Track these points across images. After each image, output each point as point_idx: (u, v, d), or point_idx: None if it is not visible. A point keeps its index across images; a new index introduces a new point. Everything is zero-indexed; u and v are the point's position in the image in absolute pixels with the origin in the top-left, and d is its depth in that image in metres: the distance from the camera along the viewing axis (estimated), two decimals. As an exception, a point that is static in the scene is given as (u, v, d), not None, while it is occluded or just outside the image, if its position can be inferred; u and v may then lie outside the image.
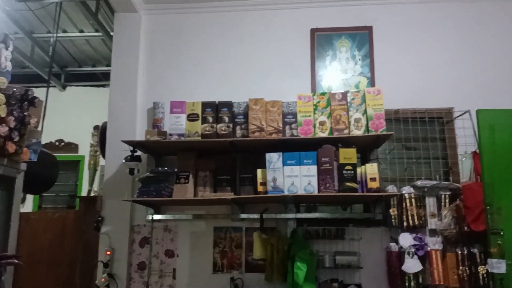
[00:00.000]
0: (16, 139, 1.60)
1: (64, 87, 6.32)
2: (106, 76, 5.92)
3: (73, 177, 6.03)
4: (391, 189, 3.15)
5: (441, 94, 3.50)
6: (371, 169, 2.99)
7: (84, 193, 5.37)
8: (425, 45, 3.62)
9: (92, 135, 4.78)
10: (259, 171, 3.08)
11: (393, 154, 3.42)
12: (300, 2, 3.77)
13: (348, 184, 2.95)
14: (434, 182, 3.20)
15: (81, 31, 5.14)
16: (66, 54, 5.75)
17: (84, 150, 5.64)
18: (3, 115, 1.53)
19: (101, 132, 3.78)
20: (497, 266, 2.70)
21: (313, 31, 3.73)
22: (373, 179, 2.96)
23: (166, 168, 3.21)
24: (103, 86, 6.15)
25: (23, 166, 1.78)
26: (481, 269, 2.98)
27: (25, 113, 1.64)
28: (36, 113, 1.74)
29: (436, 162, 3.41)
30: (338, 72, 3.64)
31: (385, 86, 3.30)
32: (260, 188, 3.07)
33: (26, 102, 1.65)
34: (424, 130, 3.42)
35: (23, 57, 5.25)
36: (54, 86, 6.11)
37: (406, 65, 3.59)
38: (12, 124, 1.57)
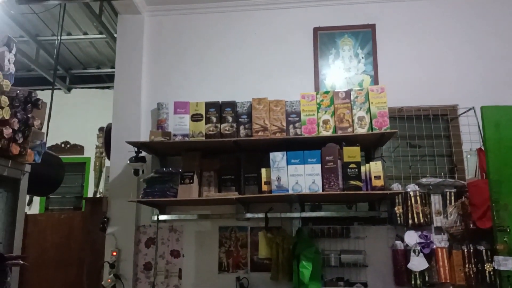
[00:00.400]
0: (20, 141, 1.61)
1: (69, 90, 6.35)
2: (110, 78, 5.94)
3: (79, 179, 6.06)
4: (396, 187, 3.15)
5: (445, 91, 3.48)
6: (375, 167, 2.98)
7: (90, 194, 5.40)
8: (428, 42, 3.61)
9: (98, 136, 4.82)
10: (263, 171, 3.09)
11: (398, 152, 3.41)
12: (303, 1, 3.77)
13: (352, 182, 2.94)
14: (439, 180, 3.18)
15: (85, 33, 5.17)
16: (71, 56, 5.79)
17: (90, 152, 5.67)
18: (7, 117, 1.54)
19: (106, 133, 3.79)
20: (504, 263, 2.68)
21: (316, 30, 3.72)
22: (377, 177, 2.96)
23: (170, 169, 3.22)
24: (107, 88, 6.17)
25: (28, 168, 1.79)
26: (488, 266, 2.96)
27: (29, 115, 1.65)
28: (40, 115, 1.76)
29: (441, 160, 3.39)
30: (341, 71, 3.64)
31: (388, 84, 3.29)
32: (264, 188, 3.07)
33: (29, 104, 1.67)
34: (428, 128, 3.40)
35: (28, 60, 5.28)
36: (59, 89, 6.15)
37: (410, 63, 3.58)
38: (16, 126, 1.58)
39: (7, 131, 1.50)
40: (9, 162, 1.63)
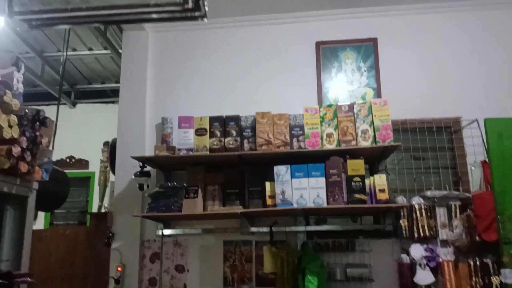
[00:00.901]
0: (29, 159, 1.63)
1: (74, 104, 6.41)
2: (115, 93, 6.00)
3: (84, 193, 6.08)
4: (401, 199, 3.14)
5: (448, 103, 3.50)
6: (379, 180, 2.99)
7: (94, 209, 5.41)
8: (431, 55, 3.63)
9: (102, 151, 4.83)
10: (267, 184, 3.09)
11: (402, 164, 3.41)
12: (305, 16, 3.81)
13: (357, 195, 2.95)
14: (444, 192, 3.18)
15: (90, 49, 5.23)
16: (76, 72, 5.85)
17: (95, 166, 5.69)
18: (16, 136, 1.56)
19: (110, 148, 3.82)
20: (511, 276, 2.66)
21: (318, 44, 3.76)
22: (382, 190, 2.96)
23: (175, 183, 3.24)
24: (112, 102, 6.22)
25: (35, 185, 1.81)
26: (495, 279, 2.94)
27: (37, 133, 1.68)
28: (47, 132, 1.78)
29: (445, 172, 3.39)
30: (344, 84, 3.66)
31: (391, 97, 3.32)
32: (269, 201, 3.08)
33: (37, 123, 1.69)
34: (432, 140, 3.41)
35: (34, 76, 5.34)
36: (64, 104, 6.20)
37: (412, 75, 3.60)
38: (25, 144, 1.60)
39: (16, 150, 1.53)
40: (17, 180, 1.65)
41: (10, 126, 1.54)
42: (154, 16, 1.09)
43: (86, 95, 6.35)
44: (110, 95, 6.26)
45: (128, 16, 1.09)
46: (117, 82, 5.20)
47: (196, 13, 1.04)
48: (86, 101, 6.39)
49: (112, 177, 4.23)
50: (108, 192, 4.63)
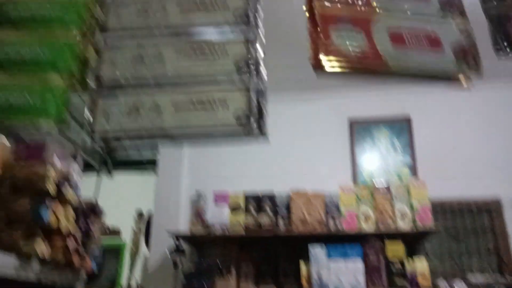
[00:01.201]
0: (82, 253, 1.68)
1: (109, 172, 6.56)
2: (150, 163, 6.13)
3: (114, 263, 6.04)
4: (443, 285, 3.01)
5: (487, 181, 3.45)
6: (420, 265, 2.90)
7: (124, 279, 5.35)
8: (466, 132, 3.65)
9: (135, 221, 4.88)
10: (302, 266, 3.03)
11: (441, 245, 3.31)
12: (338, 94, 3.92)
13: (397, 281, 2.85)
14: (489, 278, 3.04)
15: (128, 120, 5.44)
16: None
17: (127, 236, 5.70)
18: (72, 230, 1.62)
19: (146, 222, 3.87)
20: None
21: (351, 121, 3.83)
22: (423, 275, 2.86)
23: (208, 261, 3.22)
24: (145, 170, 6.35)
25: (84, 275, 1.84)
26: None
27: (91, 227, 1.73)
28: (99, 222, 1.84)
29: (487, 254, 3.27)
30: (378, 161, 3.68)
31: (428, 175, 3.33)
32: (304, 283, 3.00)
33: (92, 215, 1.75)
34: (472, 221, 3.32)
35: (75, 147, 5.56)
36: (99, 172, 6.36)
37: (449, 153, 3.59)
38: (79, 238, 1.65)
39: (72, 245, 1.58)
40: (68, 272, 1.68)
41: (67, 219, 1.60)
42: (218, 135, 1.17)
43: (121, 163, 6.52)
44: (144, 163, 6.40)
45: (194, 134, 1.17)
46: (152, 151, 5.33)
47: (256, 131, 1.10)
48: (121, 169, 6.54)
49: (144, 248, 4.23)
50: (139, 263, 4.61)
